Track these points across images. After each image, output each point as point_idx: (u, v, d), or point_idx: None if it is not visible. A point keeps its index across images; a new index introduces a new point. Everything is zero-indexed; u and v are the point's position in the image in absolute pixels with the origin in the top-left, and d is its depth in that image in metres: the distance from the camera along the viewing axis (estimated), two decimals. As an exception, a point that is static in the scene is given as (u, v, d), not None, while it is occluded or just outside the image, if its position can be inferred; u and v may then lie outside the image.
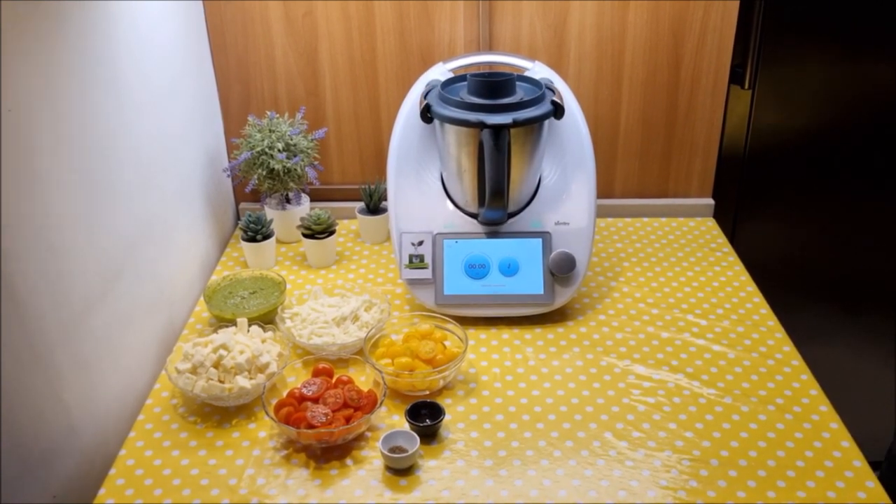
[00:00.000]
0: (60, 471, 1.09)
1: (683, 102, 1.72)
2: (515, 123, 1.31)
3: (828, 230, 1.96)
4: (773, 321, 1.44)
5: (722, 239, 1.72)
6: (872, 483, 1.08)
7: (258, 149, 1.60)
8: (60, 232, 1.07)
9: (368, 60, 1.70)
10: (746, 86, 1.75)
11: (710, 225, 1.78)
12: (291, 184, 1.64)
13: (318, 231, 1.60)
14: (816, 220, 1.95)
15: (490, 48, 1.67)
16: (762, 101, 1.79)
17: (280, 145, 1.60)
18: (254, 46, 1.69)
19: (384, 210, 1.70)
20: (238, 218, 1.84)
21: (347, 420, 1.15)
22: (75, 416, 1.12)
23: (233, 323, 1.34)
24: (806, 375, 1.29)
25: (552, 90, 1.42)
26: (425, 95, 1.44)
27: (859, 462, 1.12)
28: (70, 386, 1.11)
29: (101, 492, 1.09)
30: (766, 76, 1.77)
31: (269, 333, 1.33)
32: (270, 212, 1.68)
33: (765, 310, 1.47)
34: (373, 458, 1.14)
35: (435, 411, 1.19)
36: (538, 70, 1.50)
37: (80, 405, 1.14)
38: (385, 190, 1.54)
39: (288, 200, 1.70)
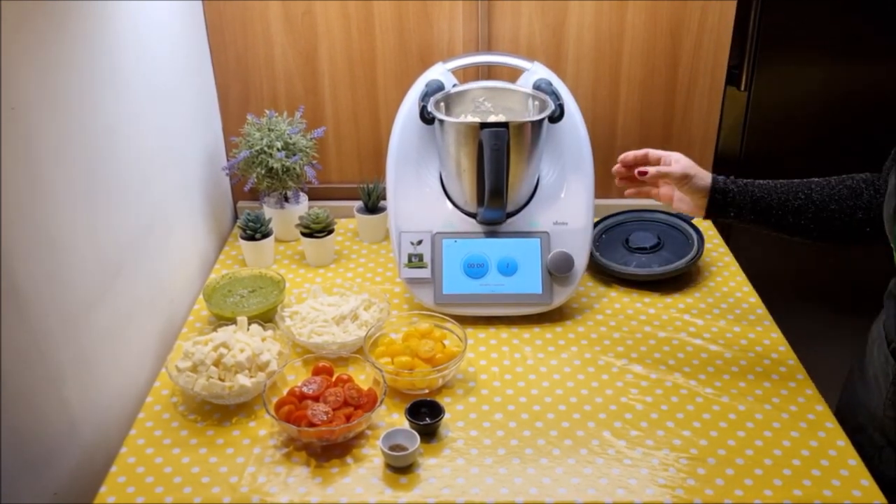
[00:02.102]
0: (61, 468, 1.10)
1: (680, 103, 1.74)
2: (513, 124, 1.31)
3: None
4: (769, 321, 1.45)
5: (718, 239, 1.73)
6: (867, 482, 1.09)
7: (257, 147, 1.60)
8: (62, 229, 1.07)
9: (367, 60, 1.70)
10: (743, 87, 1.76)
11: (707, 225, 1.79)
12: (290, 182, 1.64)
13: (316, 230, 1.61)
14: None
15: (489, 48, 1.68)
16: (758, 103, 1.80)
17: (279, 144, 1.60)
18: (253, 45, 1.69)
19: (383, 209, 1.71)
20: (236, 216, 1.85)
21: (348, 418, 1.16)
22: (77, 413, 1.13)
23: (232, 321, 1.34)
24: (801, 375, 1.31)
25: (555, 94, 1.42)
26: (424, 96, 1.44)
27: (854, 461, 1.13)
28: (71, 384, 1.11)
29: (103, 489, 1.10)
30: (762, 77, 1.78)
31: (269, 332, 1.34)
32: (269, 210, 1.69)
33: (761, 310, 1.48)
34: (373, 456, 1.15)
35: (434, 410, 1.20)
36: (537, 70, 1.50)
37: (82, 403, 1.14)
38: (384, 189, 1.55)
39: (286, 199, 1.71)
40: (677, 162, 1.21)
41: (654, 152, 1.23)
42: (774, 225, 1.19)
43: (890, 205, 1.06)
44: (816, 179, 1.20)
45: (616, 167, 1.25)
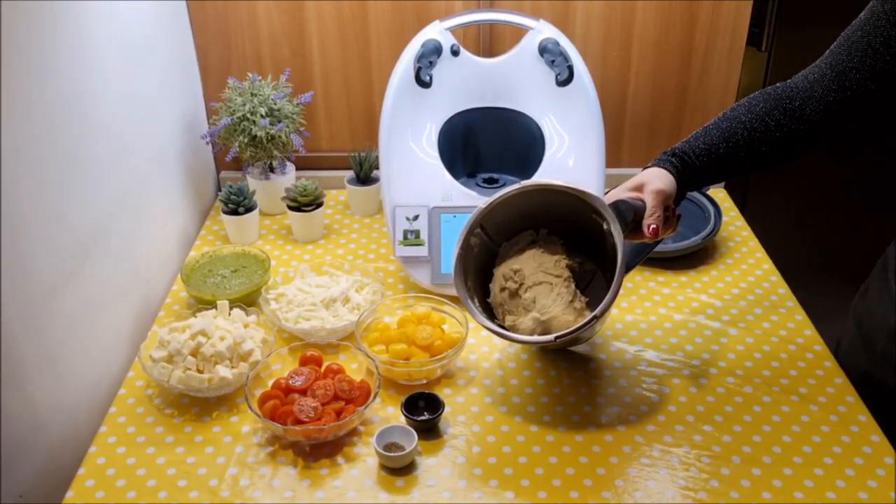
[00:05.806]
0: (27, 469, 1.00)
1: (697, 65, 1.61)
2: None
3: (843, 202, 1.87)
4: (792, 301, 1.35)
5: (735, 212, 1.62)
6: (907, 482, 1.01)
7: (239, 114, 1.48)
8: (22, 208, 0.96)
9: (359, 17, 1.57)
10: (763, 48, 1.64)
11: (722, 196, 1.68)
12: (275, 152, 1.52)
13: (304, 203, 1.49)
14: (832, 191, 1.86)
15: (491, 5, 1.55)
16: (779, 65, 1.69)
17: (263, 110, 1.48)
18: (234, 2, 1.56)
19: (376, 180, 1.59)
20: (220, 188, 1.73)
21: (338, 414, 1.06)
22: (42, 409, 1.03)
23: (213, 305, 1.24)
24: (829, 362, 1.21)
25: (563, 55, 1.30)
26: (420, 57, 1.32)
27: (891, 459, 1.04)
28: (36, 377, 1.01)
29: (69, 494, 1.00)
30: (783, 38, 1.66)
31: (253, 317, 1.23)
32: (253, 182, 1.57)
33: (783, 289, 1.38)
34: (366, 455, 1.05)
35: (433, 403, 1.10)
36: (543, 29, 1.38)
37: (48, 398, 1.04)
38: (376, 158, 1.44)
39: (272, 169, 1.59)
40: (647, 187, 1.08)
41: (627, 193, 1.10)
42: (737, 171, 1.11)
43: None
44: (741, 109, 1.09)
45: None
